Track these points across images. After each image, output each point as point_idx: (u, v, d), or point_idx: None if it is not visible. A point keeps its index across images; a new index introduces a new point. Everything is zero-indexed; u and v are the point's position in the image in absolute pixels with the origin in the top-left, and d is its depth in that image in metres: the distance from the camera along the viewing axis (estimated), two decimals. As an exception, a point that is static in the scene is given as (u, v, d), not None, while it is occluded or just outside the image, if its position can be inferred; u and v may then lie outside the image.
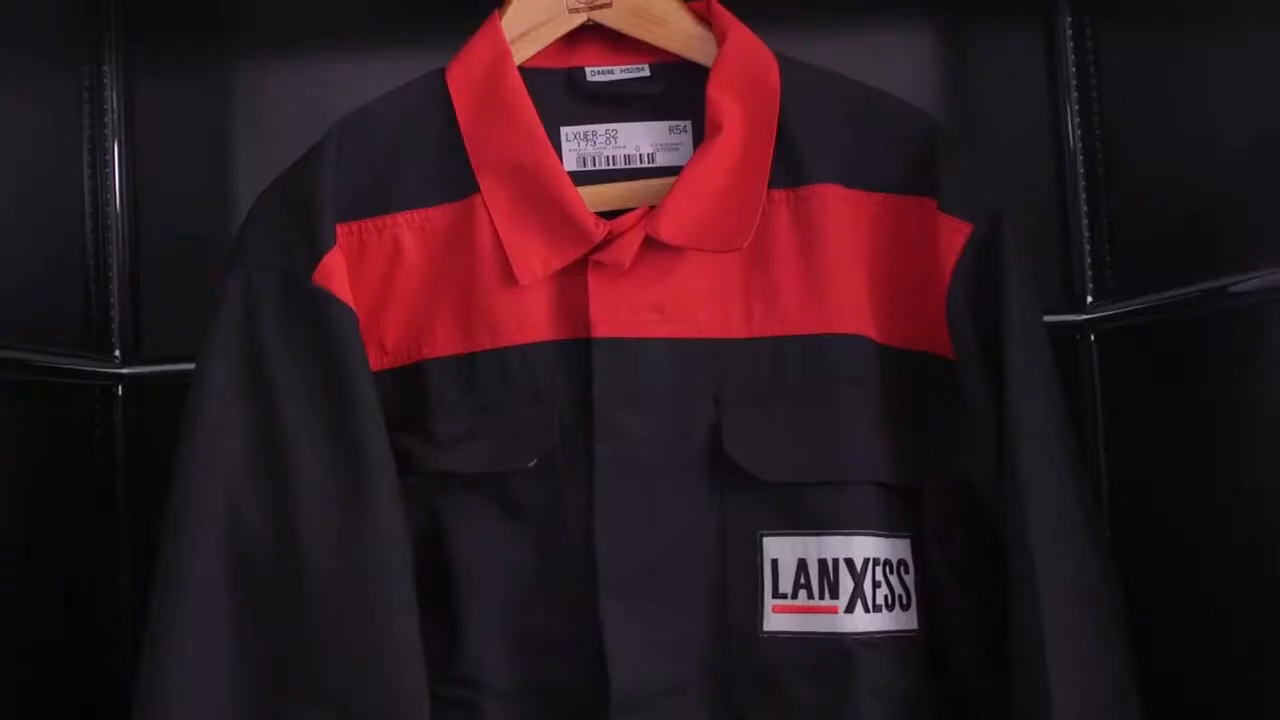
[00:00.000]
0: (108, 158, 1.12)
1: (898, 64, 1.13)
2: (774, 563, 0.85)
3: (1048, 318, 0.90)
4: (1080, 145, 1.12)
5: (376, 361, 0.86)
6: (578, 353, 0.85)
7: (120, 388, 1.11)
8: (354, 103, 0.90)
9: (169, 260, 1.13)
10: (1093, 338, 1.11)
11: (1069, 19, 1.13)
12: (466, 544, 0.85)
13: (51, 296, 1.05)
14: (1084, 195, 1.12)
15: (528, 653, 0.85)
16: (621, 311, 0.85)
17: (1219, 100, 0.92)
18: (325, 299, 0.83)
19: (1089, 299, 1.11)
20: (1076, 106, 1.12)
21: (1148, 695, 0.85)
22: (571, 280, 0.86)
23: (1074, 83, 1.13)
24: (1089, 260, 1.12)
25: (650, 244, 0.85)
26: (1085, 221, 1.12)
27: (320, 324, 0.83)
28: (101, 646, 1.06)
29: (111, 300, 1.11)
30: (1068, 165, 1.13)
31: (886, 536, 0.86)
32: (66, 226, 1.08)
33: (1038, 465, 0.84)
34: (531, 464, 0.84)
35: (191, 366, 0.85)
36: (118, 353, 1.11)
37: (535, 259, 0.85)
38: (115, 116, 1.13)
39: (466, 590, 0.85)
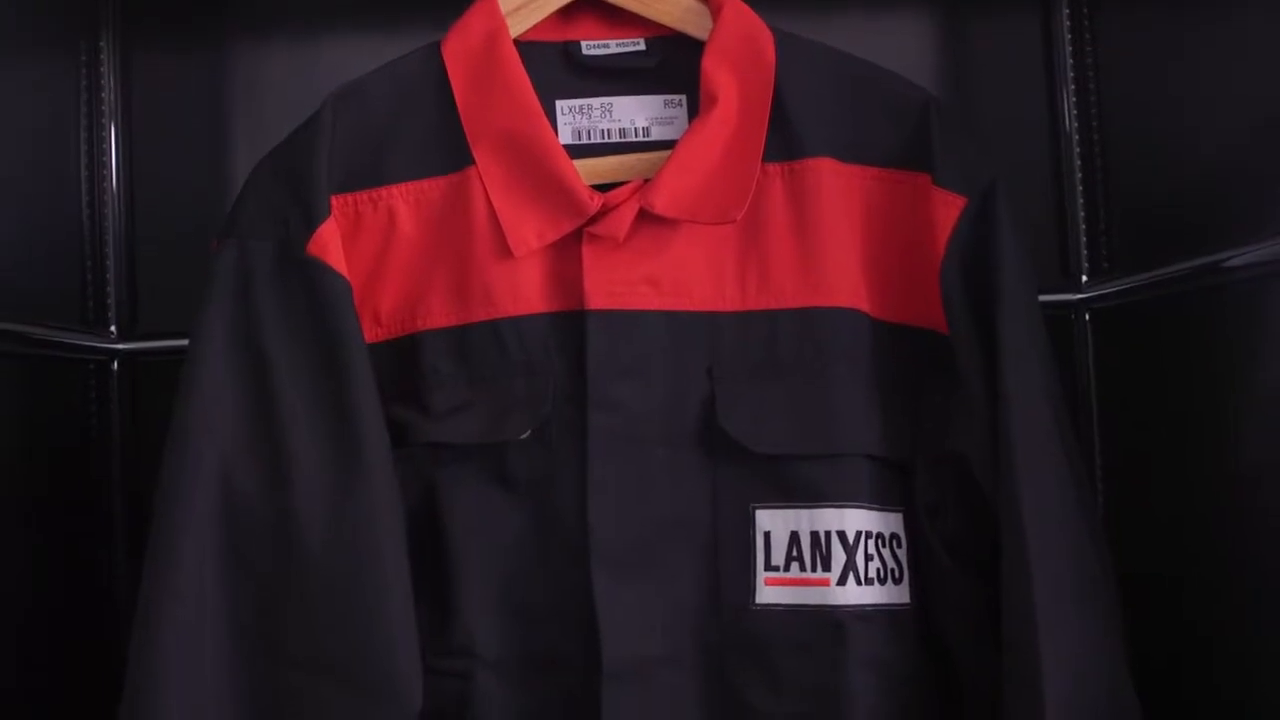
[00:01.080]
0: (104, 134, 1.12)
1: (895, 46, 1.13)
2: (766, 535, 0.85)
3: (1043, 297, 0.90)
4: (1076, 126, 1.12)
5: (371, 333, 0.86)
6: (572, 325, 0.85)
7: (116, 363, 1.11)
8: (351, 84, 0.90)
9: (165, 238, 1.13)
10: (1087, 317, 1.11)
11: (1066, 1, 1.13)
12: (460, 515, 0.85)
13: (48, 274, 1.06)
14: (1079, 176, 1.12)
15: (521, 624, 0.85)
16: (616, 284, 0.85)
17: (1213, 81, 0.92)
18: (320, 269, 0.83)
19: (1084, 278, 1.11)
20: (1073, 87, 1.13)
21: (1140, 674, 0.85)
22: (566, 253, 0.86)
23: (1070, 64, 1.13)
24: (1084, 240, 1.12)
25: (645, 217, 0.85)
26: (1080, 201, 1.12)
27: (314, 294, 0.83)
28: (96, 617, 1.06)
29: (108, 277, 1.12)
30: (1063, 146, 1.13)
31: (879, 510, 0.86)
32: (63, 205, 1.08)
33: (1030, 441, 0.84)
34: (525, 435, 0.84)
35: (186, 343, 0.85)
36: (114, 329, 1.12)
37: (530, 231, 0.85)
38: (112, 96, 1.13)
39: (460, 561, 0.85)
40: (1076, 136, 1.12)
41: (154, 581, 0.81)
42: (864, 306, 0.87)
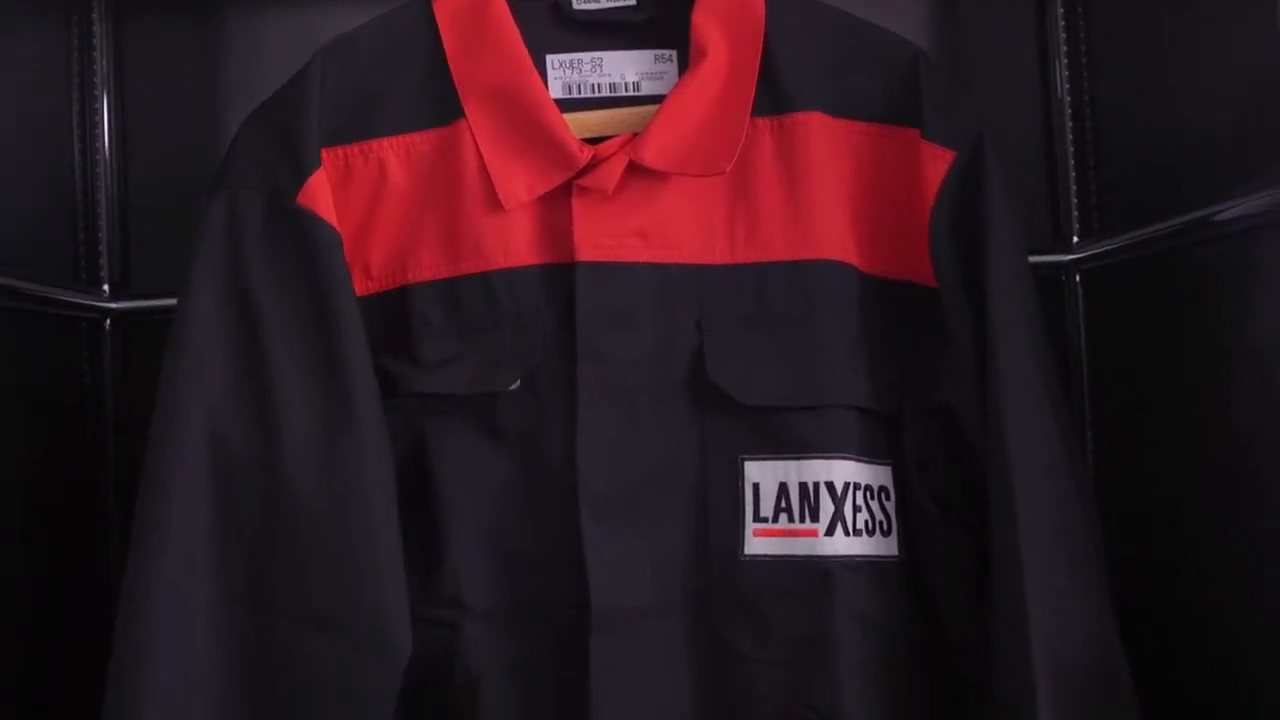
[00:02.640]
0: (96, 95, 1.12)
1: (890, 9, 1.12)
2: (755, 486, 0.85)
3: (1034, 258, 0.90)
4: (1068, 89, 1.13)
5: (362, 286, 0.87)
6: (561, 276, 0.85)
7: (108, 322, 1.11)
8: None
9: (157, 199, 1.14)
10: (1078, 278, 1.11)
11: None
12: (449, 465, 0.85)
13: (42, 235, 1.06)
14: (1071, 138, 1.12)
15: (509, 573, 0.85)
16: (605, 236, 0.85)
17: (1202, 42, 0.92)
18: (310, 219, 0.84)
19: (1075, 239, 1.12)
20: (1064, 49, 1.13)
21: (1126, 630, 0.85)
22: (556, 205, 0.86)
23: (1062, 25, 1.13)
24: (1075, 201, 1.12)
25: (634, 170, 0.85)
26: (1072, 163, 1.12)
27: (304, 245, 0.84)
28: (88, 568, 1.07)
29: (100, 237, 1.12)
30: (1055, 109, 1.13)
31: (867, 462, 0.86)
32: (57, 166, 1.09)
33: (1019, 395, 0.84)
34: (514, 386, 0.85)
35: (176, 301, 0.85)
36: (106, 288, 1.12)
37: (520, 183, 0.85)
38: (104, 59, 1.13)
39: (450, 512, 0.85)
40: (1068, 99, 1.12)
41: (143, 534, 0.81)
42: (853, 260, 0.87)
